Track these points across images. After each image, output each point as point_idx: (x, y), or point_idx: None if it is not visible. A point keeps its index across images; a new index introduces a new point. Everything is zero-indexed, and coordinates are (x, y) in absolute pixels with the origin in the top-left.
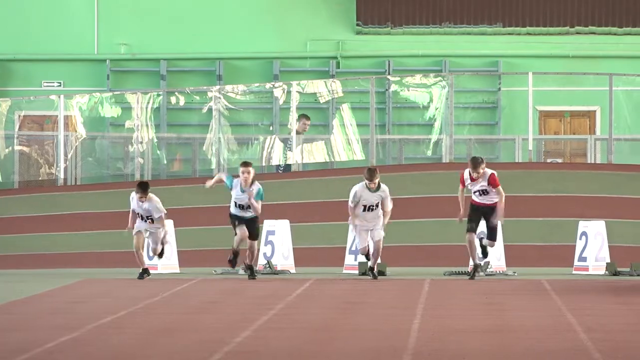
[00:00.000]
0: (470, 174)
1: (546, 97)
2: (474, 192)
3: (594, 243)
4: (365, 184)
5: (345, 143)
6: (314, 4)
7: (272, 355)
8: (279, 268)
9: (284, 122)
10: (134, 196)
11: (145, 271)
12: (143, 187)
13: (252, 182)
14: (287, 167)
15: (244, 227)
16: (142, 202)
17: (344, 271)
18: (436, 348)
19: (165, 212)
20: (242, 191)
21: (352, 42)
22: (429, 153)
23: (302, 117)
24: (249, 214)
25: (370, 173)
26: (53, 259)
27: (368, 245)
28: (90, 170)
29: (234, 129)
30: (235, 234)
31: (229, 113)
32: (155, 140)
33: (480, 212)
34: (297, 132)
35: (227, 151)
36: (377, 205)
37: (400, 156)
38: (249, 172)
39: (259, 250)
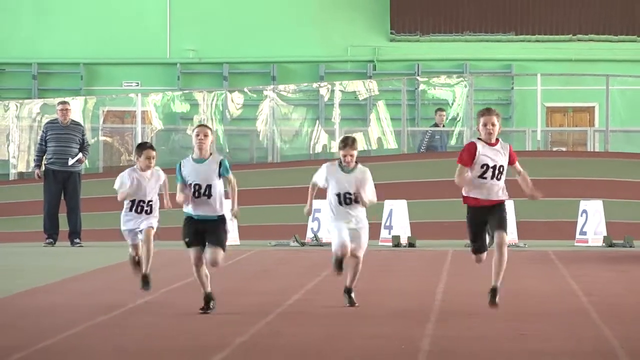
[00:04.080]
0: (485, 141)
1: (552, 95)
2: (481, 175)
3: (593, 219)
4: (339, 161)
5: (381, 134)
6: (353, 15)
7: (318, 314)
8: (324, 240)
9: (328, 116)
10: (128, 174)
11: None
12: (149, 146)
13: (210, 153)
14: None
15: (198, 250)
16: (149, 169)
17: (380, 243)
18: (458, 309)
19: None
20: (200, 161)
21: (387, 48)
22: (453, 142)
23: (441, 110)
24: (211, 212)
25: (345, 140)
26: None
27: (347, 249)
28: (164, 157)
29: (286, 122)
30: (186, 245)
31: (282, 109)
32: (219, 131)
33: (482, 217)
34: (436, 125)
35: (280, 141)
36: (354, 197)
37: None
38: (205, 135)
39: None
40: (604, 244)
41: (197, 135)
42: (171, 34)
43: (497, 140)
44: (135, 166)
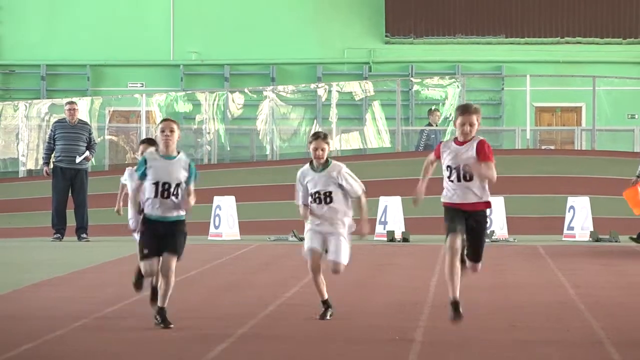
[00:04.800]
0: (454, 139)
1: (541, 95)
2: (449, 178)
3: (580, 215)
4: (310, 161)
5: (376, 133)
6: (350, 19)
7: (316, 307)
8: None
9: (326, 116)
10: (129, 173)
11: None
12: (146, 140)
13: (178, 151)
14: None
15: (154, 262)
16: None
17: (375, 238)
18: None
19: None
20: (170, 157)
21: (382, 50)
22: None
23: (434, 111)
24: (175, 213)
25: (316, 133)
26: None
27: (319, 255)
28: None
29: (285, 121)
30: (142, 256)
31: (281, 108)
32: (220, 130)
33: (462, 214)
34: (430, 124)
35: (279, 140)
36: (329, 197)
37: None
38: (172, 130)
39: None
40: (590, 239)
41: (163, 130)
42: (174, 37)
43: (471, 138)
44: None
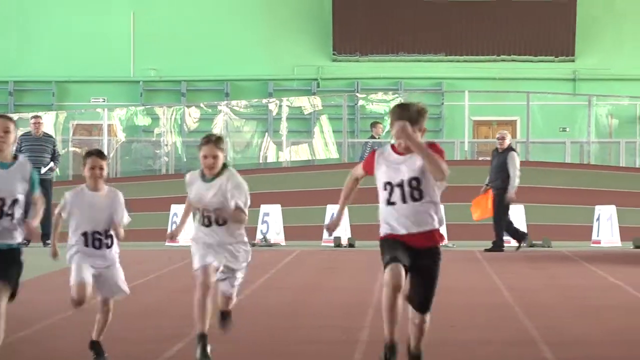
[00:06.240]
0: (391, 147)
1: (478, 110)
2: (388, 200)
3: (515, 222)
4: (200, 169)
5: (324, 145)
6: (299, 37)
7: (269, 307)
8: (272, 241)
9: (277, 129)
10: (70, 196)
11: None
12: (102, 155)
13: (15, 157)
14: None
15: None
16: (98, 190)
17: (322, 244)
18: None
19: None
20: (4, 165)
21: (329, 67)
22: None
23: (377, 124)
24: (10, 239)
25: (208, 137)
26: None
27: (214, 271)
28: (127, 166)
29: (238, 134)
30: None
31: (234, 122)
32: (178, 143)
33: (405, 248)
34: (373, 137)
35: (233, 152)
36: (220, 217)
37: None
38: (6, 131)
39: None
40: (524, 245)
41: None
42: (135, 55)
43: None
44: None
